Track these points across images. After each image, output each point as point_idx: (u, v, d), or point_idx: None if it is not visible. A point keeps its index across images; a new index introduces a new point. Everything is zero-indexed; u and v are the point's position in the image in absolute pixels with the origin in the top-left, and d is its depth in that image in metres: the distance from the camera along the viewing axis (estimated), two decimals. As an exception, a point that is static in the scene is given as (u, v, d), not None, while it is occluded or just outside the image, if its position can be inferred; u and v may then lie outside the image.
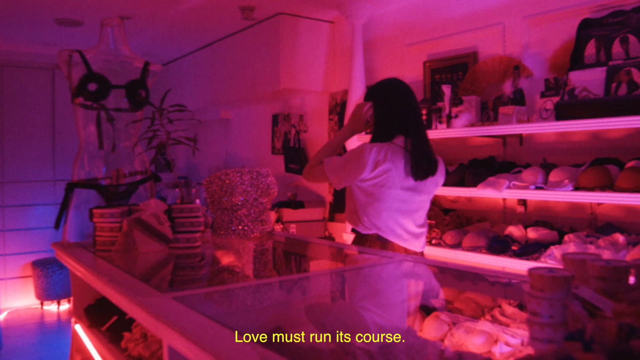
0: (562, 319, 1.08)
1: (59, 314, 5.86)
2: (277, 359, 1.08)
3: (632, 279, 1.23)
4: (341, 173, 2.46)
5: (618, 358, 0.78)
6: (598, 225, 2.97)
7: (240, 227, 2.74)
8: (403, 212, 2.47)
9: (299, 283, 2.04)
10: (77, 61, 2.55)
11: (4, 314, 5.79)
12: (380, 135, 2.50)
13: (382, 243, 2.47)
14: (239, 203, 2.72)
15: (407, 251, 2.50)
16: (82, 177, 2.69)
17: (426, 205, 2.60)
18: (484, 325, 1.46)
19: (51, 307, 6.08)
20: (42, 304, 6.08)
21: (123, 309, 1.71)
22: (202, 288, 1.97)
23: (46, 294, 5.92)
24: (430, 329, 1.54)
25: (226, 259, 2.48)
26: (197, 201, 2.79)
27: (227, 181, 2.73)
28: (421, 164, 2.42)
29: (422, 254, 2.60)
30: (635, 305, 1.05)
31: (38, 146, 6.29)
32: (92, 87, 2.49)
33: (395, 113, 2.48)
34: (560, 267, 1.26)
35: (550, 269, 1.13)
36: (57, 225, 2.63)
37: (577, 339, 0.83)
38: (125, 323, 2.24)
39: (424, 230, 2.60)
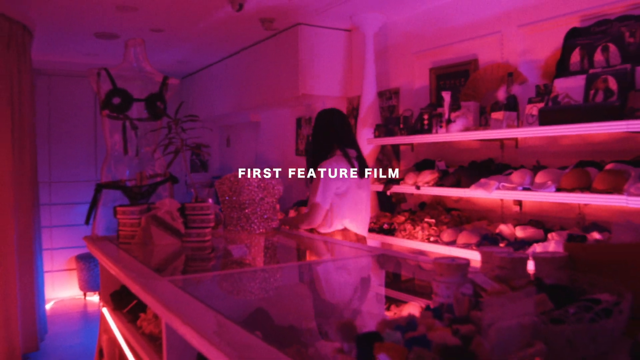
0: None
1: (99, 304, 6.32)
2: (230, 326, 1.38)
3: (530, 268, 1.47)
4: (326, 195, 3.03)
5: (456, 322, 1.04)
6: (585, 225, 3.15)
7: (247, 223, 3.05)
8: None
9: (285, 271, 2.33)
10: (104, 78, 2.91)
11: (51, 303, 6.30)
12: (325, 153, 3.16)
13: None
14: (246, 202, 3.03)
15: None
16: (109, 179, 3.06)
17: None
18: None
19: (93, 298, 6.56)
20: (85, 294, 6.57)
21: (132, 290, 2.04)
22: (195, 273, 2.29)
23: (89, 285, 6.40)
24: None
25: (230, 251, 2.80)
26: (210, 200, 3.11)
27: (236, 182, 3.05)
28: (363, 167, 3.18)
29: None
30: (509, 288, 1.30)
31: (81, 149, 6.81)
32: (116, 100, 2.85)
33: (333, 133, 3.19)
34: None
35: (452, 259, 1.39)
36: (87, 221, 3.01)
37: (432, 309, 1.09)
38: (142, 306, 2.57)
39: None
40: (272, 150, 6.58)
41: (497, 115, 3.27)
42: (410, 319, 1.02)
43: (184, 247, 2.73)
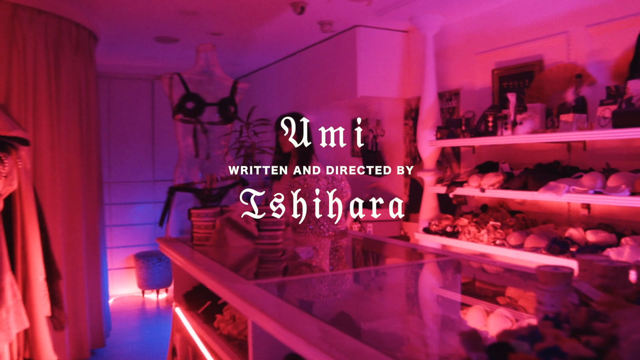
0: (561, 308, 1.33)
1: (157, 302, 6.49)
2: (333, 332, 1.40)
3: (633, 277, 1.45)
4: None
5: (579, 333, 1.04)
6: (660, 229, 3.07)
7: (317, 226, 3.08)
8: None
9: (363, 275, 2.35)
10: (177, 83, 2.98)
11: (111, 300, 6.49)
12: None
13: None
14: (315, 205, 3.06)
15: None
16: (181, 181, 3.14)
17: None
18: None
19: (151, 296, 6.73)
20: (143, 292, 6.75)
21: (216, 293, 2.09)
22: (280, 277, 2.32)
23: (147, 283, 6.56)
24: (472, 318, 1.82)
25: (301, 254, 2.83)
26: (278, 203, 3.15)
27: (305, 185, 3.08)
28: None
29: None
30: (621, 298, 1.28)
31: (139, 150, 6.98)
32: (189, 105, 2.92)
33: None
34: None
35: (556, 267, 1.38)
36: (161, 223, 3.09)
37: (551, 319, 1.09)
38: (217, 307, 2.64)
39: None
40: (326, 150, 6.61)
41: (566, 117, 3.21)
42: (533, 329, 1.02)
43: (256, 249, 2.78)
